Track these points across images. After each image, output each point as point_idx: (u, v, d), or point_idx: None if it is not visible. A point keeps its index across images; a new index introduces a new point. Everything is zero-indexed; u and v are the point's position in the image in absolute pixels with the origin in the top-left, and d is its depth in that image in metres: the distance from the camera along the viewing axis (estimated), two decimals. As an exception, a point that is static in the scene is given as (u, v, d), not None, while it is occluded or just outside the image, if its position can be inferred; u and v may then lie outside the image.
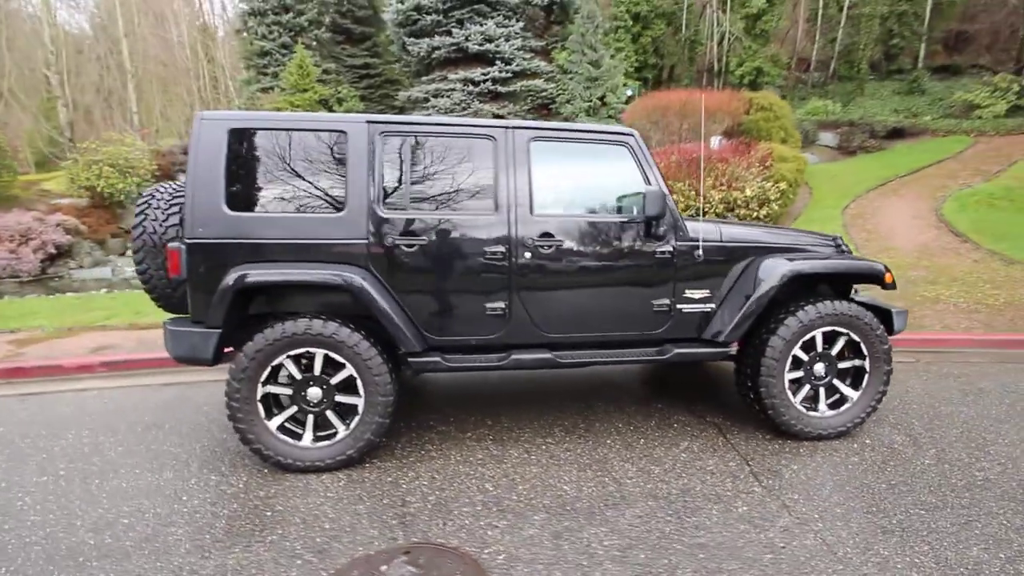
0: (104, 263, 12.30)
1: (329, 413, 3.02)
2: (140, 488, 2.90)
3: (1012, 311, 6.05)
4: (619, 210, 3.34)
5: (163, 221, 3.17)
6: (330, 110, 17.09)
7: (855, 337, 3.32)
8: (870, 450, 3.25)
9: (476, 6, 17.13)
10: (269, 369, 2.90)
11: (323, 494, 2.80)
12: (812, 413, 3.36)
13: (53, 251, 10.98)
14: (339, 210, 2.98)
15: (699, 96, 12.50)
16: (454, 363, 3.10)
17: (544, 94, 17.93)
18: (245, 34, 19.57)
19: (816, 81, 21.62)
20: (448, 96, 17.16)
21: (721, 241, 3.36)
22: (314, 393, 2.99)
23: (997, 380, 4.43)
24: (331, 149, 2.99)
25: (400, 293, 3.02)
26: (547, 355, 3.17)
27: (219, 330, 2.87)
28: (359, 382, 2.96)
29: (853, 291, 3.73)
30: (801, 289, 3.54)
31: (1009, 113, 15.20)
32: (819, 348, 3.34)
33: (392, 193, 3.04)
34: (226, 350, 3.05)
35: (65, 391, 4.56)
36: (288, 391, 2.99)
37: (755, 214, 9.44)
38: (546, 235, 3.12)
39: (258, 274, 2.81)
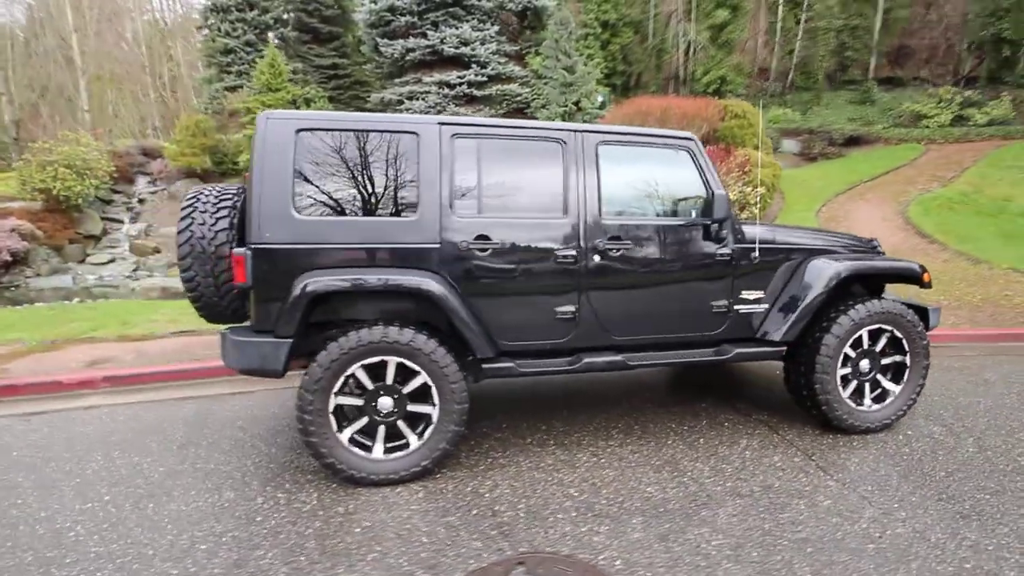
0: (63, 271, 11.52)
1: (400, 423, 2.93)
2: (203, 510, 2.72)
3: (990, 307, 6.50)
4: (675, 213, 3.40)
5: (212, 225, 2.99)
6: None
7: (898, 334, 3.49)
8: (915, 441, 3.41)
9: (451, 9, 17.04)
10: (342, 379, 2.79)
11: (406, 507, 2.70)
12: (860, 408, 3.50)
13: (8, 258, 10.17)
14: (411, 214, 2.90)
15: (678, 103, 12.87)
16: (527, 368, 3.07)
17: (519, 98, 18.00)
18: (207, 31, 18.77)
19: (775, 91, 22.64)
20: (423, 99, 16.97)
21: (775, 243, 3.47)
22: (385, 403, 2.89)
23: (997, 371, 4.75)
24: (402, 151, 2.91)
25: (472, 297, 2.97)
26: (617, 357, 3.18)
27: (291, 340, 2.73)
28: (434, 390, 2.89)
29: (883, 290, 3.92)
30: (838, 289, 3.69)
31: (954, 123, 16.39)
32: (865, 345, 3.49)
33: (464, 196, 2.98)
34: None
35: (71, 409, 4.23)
36: (359, 402, 2.88)
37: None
38: (614, 238, 3.14)
39: (336, 280, 2.70)
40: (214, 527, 2.57)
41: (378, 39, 17.68)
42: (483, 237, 2.96)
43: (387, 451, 2.92)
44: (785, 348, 3.45)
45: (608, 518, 2.59)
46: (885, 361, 3.57)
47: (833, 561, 2.26)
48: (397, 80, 17.93)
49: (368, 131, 2.88)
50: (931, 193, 11.71)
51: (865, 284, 3.87)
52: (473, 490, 2.87)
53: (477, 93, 17.22)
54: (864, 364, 3.51)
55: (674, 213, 3.42)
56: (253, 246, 2.74)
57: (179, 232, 3.01)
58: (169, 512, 2.71)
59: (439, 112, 16.73)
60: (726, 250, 3.33)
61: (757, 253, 3.38)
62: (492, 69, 17.21)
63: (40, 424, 3.93)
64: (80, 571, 2.27)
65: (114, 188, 14.26)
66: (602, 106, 18.52)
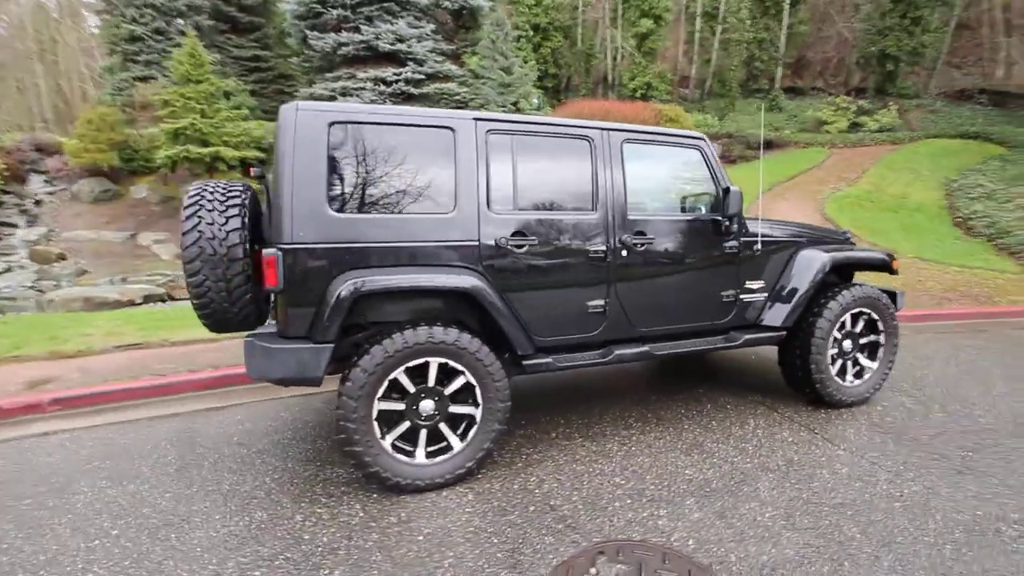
0: (-52, 283, 9.95)
1: (442, 425, 2.86)
2: (238, 535, 2.50)
3: (909, 292, 7.35)
4: (689, 208, 3.58)
5: (222, 225, 2.76)
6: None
7: (875, 316, 3.88)
8: (893, 411, 3.81)
9: (386, 4, 16.60)
10: (386, 384, 2.67)
11: (461, 510, 2.64)
12: (844, 384, 3.86)
13: None
14: (448, 211, 2.83)
15: (616, 106, 13.37)
16: (563, 363, 3.10)
17: (457, 97, 17.86)
18: (109, 16, 16.99)
19: (695, 97, 24.13)
20: (358, 95, 16.39)
21: (773, 236, 3.74)
22: (426, 406, 2.80)
23: (930, 347, 5.40)
24: (438, 146, 2.83)
25: (509, 294, 2.95)
26: (644, 348, 3.29)
27: (332, 345, 2.58)
28: (477, 389, 2.84)
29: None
30: (825, 277, 4.03)
31: (851, 128, 18.31)
32: (848, 327, 3.85)
33: (500, 192, 2.95)
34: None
35: (22, 437, 3.70)
36: (401, 406, 2.77)
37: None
38: (640, 233, 3.24)
39: (385, 281, 2.58)
40: (259, 551, 2.37)
41: (307, 32, 16.86)
42: (519, 233, 2.95)
43: (429, 455, 2.84)
44: (784, 333, 3.72)
45: (664, 502, 2.68)
46: (863, 341, 3.96)
47: (872, 521, 2.49)
48: (328, 75, 17.18)
49: (404, 125, 2.78)
50: (841, 192, 13.03)
51: (839, 272, 4.26)
52: (521, 487, 2.85)
53: (415, 91, 16.89)
54: (847, 344, 3.87)
55: (688, 208, 3.60)
56: (285, 247, 2.56)
57: (185, 233, 2.74)
58: (199, 540, 2.46)
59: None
60: (734, 243, 3.54)
61: (759, 245, 3.63)
62: (429, 67, 16.96)
63: (-8, 457, 3.41)
64: (120, 614, 2.02)
65: (4, 188, 12.56)
66: (538, 108, 18.85)
